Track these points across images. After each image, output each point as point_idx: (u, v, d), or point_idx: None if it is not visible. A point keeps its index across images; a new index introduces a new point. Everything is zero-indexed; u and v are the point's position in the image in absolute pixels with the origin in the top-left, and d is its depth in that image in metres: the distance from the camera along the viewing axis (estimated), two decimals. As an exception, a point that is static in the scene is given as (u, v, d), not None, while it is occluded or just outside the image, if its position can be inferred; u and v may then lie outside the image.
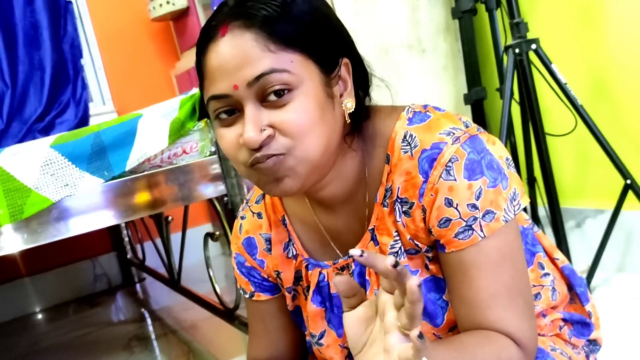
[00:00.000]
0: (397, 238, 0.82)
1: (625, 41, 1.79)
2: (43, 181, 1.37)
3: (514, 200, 0.78)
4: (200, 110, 1.56)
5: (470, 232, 0.76)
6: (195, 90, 1.57)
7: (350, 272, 0.88)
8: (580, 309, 0.97)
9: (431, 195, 0.77)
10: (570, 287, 0.98)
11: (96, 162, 1.44)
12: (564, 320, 0.94)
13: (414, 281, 0.60)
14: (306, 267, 0.92)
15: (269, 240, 0.96)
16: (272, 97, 0.72)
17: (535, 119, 1.81)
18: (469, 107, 2.07)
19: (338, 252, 0.90)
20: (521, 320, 0.77)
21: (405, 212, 0.80)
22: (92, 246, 3.30)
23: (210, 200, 1.92)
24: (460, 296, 0.78)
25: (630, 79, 1.80)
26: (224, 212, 1.83)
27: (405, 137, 0.79)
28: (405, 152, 0.79)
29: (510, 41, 1.81)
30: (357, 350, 0.70)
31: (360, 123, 0.82)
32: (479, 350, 0.73)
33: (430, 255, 0.82)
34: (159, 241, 2.81)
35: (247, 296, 1.01)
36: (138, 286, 3.30)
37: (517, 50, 1.77)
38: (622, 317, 1.63)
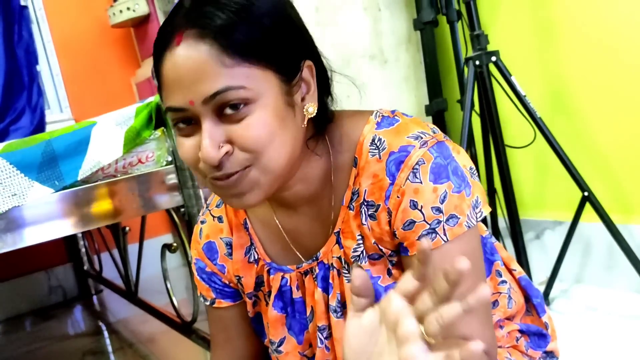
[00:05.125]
0: (360, 242, 0.81)
1: (582, 55, 1.81)
2: (-11, 191, 1.32)
3: (477, 207, 0.78)
4: (156, 119, 1.52)
5: (434, 235, 0.76)
6: (152, 99, 1.53)
7: (314, 276, 0.86)
8: (537, 320, 0.98)
9: (397, 197, 0.76)
10: (527, 299, 0.98)
11: (46, 172, 1.39)
12: (521, 331, 0.94)
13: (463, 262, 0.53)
14: (268, 271, 0.91)
15: (229, 245, 0.94)
16: (229, 111, 0.71)
17: (495, 130, 1.82)
18: (430, 118, 2.08)
19: (300, 256, 0.88)
20: (484, 328, 0.77)
21: (371, 215, 0.80)
22: (47, 257, 3.21)
23: (167, 211, 1.88)
24: None
25: (587, 92, 1.82)
26: (182, 223, 1.79)
27: (373, 140, 0.79)
28: (373, 155, 0.79)
29: (470, 53, 1.82)
30: None
31: (324, 126, 0.82)
32: None
33: (393, 259, 0.81)
34: (116, 252, 2.75)
35: (207, 303, 0.98)
36: (95, 298, 3.22)
37: (477, 62, 1.78)
38: (579, 328, 1.64)
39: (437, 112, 2.03)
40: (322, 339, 0.87)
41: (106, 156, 1.46)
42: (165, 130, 1.53)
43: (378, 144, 0.79)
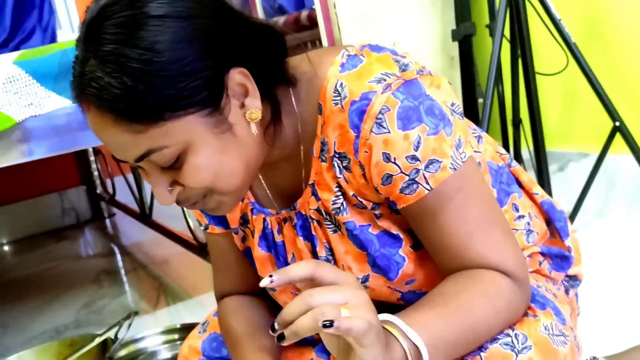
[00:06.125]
0: (339, 194, 0.77)
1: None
2: (5, 99, 1.28)
3: (459, 147, 0.72)
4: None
5: (415, 185, 0.71)
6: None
7: (293, 224, 0.83)
8: (559, 244, 0.94)
9: (365, 151, 0.71)
10: (550, 222, 0.95)
11: (63, 82, 1.34)
12: (542, 254, 0.91)
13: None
14: (251, 210, 0.88)
15: None
16: (165, 165, 0.69)
17: (526, 56, 1.75)
18: (456, 44, 2.00)
19: (276, 205, 0.86)
20: (502, 250, 0.73)
21: (345, 167, 0.75)
22: (59, 179, 3.21)
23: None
24: (435, 244, 0.74)
25: (625, 19, 1.75)
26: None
27: (336, 86, 0.72)
28: (336, 104, 0.72)
29: (504, -27, 1.73)
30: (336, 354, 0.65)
31: (279, 111, 0.75)
32: (464, 294, 0.69)
33: (377, 212, 0.77)
34: (130, 175, 2.74)
35: (202, 228, 0.97)
36: (108, 221, 3.24)
37: (511, -17, 1.70)
38: (601, 261, 1.61)
39: (465, 38, 1.96)
40: None
41: (124, 68, 1.41)
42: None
43: (340, 91, 0.72)
